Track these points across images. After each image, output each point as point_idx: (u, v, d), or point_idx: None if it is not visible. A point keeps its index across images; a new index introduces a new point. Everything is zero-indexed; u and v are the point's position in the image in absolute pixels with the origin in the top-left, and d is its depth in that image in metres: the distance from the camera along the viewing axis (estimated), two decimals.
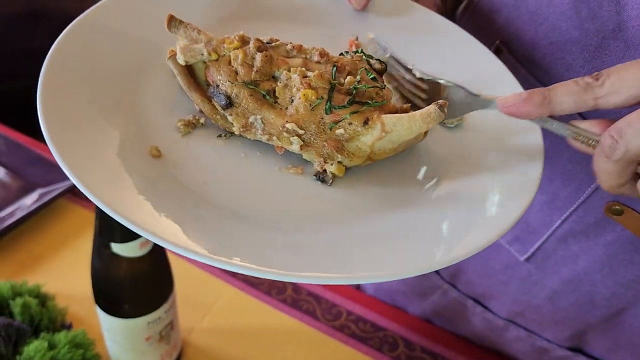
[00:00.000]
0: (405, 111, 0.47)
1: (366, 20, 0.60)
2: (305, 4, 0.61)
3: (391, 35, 0.59)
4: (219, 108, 0.48)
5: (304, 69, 0.47)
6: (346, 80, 0.47)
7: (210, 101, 0.48)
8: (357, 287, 0.89)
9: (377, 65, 0.51)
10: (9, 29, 2.38)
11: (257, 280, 0.84)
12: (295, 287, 0.84)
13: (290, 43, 0.50)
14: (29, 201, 0.92)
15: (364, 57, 0.51)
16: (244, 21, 0.58)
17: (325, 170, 0.46)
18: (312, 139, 0.46)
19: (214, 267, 0.84)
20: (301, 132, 0.46)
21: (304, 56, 0.50)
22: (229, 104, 0.47)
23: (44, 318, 0.71)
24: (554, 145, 0.52)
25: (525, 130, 0.49)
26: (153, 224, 0.38)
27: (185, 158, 0.46)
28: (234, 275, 0.85)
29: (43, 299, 0.74)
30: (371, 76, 0.49)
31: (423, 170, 0.48)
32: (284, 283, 0.84)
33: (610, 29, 0.52)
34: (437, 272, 0.80)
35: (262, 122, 0.47)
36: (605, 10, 0.52)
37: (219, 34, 0.51)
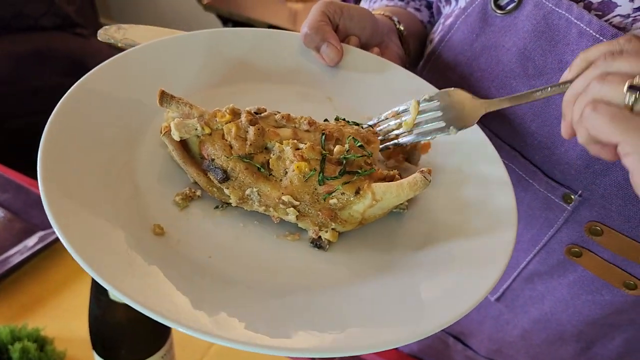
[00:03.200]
0: (392, 178, 0.50)
1: (338, 77, 0.63)
2: (281, 64, 0.63)
3: (363, 91, 0.62)
4: (216, 181, 0.49)
5: (295, 140, 0.49)
6: (335, 149, 0.50)
7: (206, 174, 0.50)
8: None
9: (367, 134, 0.53)
10: (15, 69, 2.43)
11: None
12: None
13: (279, 113, 0.52)
14: (30, 243, 0.93)
15: (350, 122, 0.54)
16: (225, 83, 0.60)
17: (320, 237, 0.48)
18: (307, 209, 0.48)
19: None
20: (296, 203, 0.48)
21: (293, 125, 0.52)
22: (226, 177, 0.49)
23: None
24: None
25: (500, 190, 0.53)
26: (161, 306, 0.39)
27: (187, 233, 0.47)
28: None
29: (42, 342, 0.76)
30: (358, 144, 0.51)
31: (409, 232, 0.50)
32: None
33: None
34: None
35: (259, 194, 0.48)
36: (550, 67, 0.57)
37: (205, 97, 0.52)
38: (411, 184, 0.47)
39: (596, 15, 0.54)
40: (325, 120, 0.55)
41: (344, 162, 0.49)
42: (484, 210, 0.52)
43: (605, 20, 0.53)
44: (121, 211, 0.46)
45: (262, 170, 0.49)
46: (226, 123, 0.50)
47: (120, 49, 0.59)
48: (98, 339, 0.64)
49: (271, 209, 0.48)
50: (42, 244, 0.92)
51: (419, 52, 0.73)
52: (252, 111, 0.51)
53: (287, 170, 0.48)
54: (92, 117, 0.51)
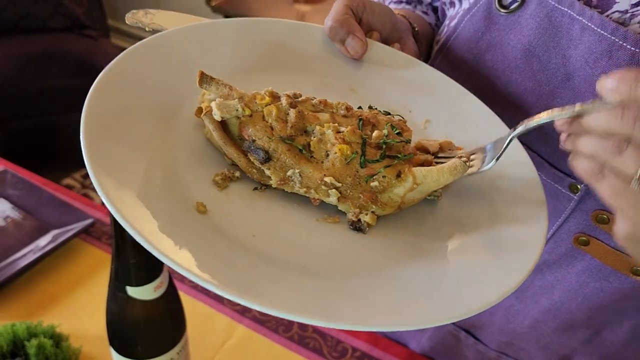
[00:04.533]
0: (430, 163, 0.51)
1: (361, 69, 0.63)
2: (304, 56, 0.63)
3: (386, 84, 0.63)
4: (256, 162, 0.49)
5: (335, 124, 0.50)
6: (374, 134, 0.50)
7: (246, 155, 0.50)
8: None
9: (401, 122, 0.54)
10: (23, 70, 2.46)
11: (265, 318, 0.86)
12: (301, 324, 0.86)
13: (315, 98, 0.53)
14: (44, 242, 0.94)
15: (381, 111, 0.55)
16: (251, 71, 0.60)
17: (359, 220, 0.49)
18: (348, 191, 0.49)
19: (224, 306, 0.86)
20: (339, 185, 0.48)
21: (331, 110, 0.52)
22: (267, 158, 0.49)
23: (59, 359, 0.73)
24: None
25: (529, 186, 0.53)
26: (215, 277, 0.39)
27: (228, 213, 0.47)
28: (242, 314, 0.87)
29: (57, 339, 0.76)
30: (396, 131, 0.52)
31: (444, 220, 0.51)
32: (290, 321, 0.86)
33: (560, 79, 0.58)
34: None
35: (300, 175, 0.49)
36: (554, 62, 0.59)
37: (233, 82, 0.52)
38: (451, 169, 0.48)
39: (596, 11, 0.55)
40: (359, 107, 0.55)
41: (384, 146, 0.50)
42: (515, 203, 0.52)
43: (606, 16, 0.55)
44: (163, 189, 0.46)
45: (304, 152, 0.49)
46: (266, 105, 0.50)
47: (149, 33, 0.60)
48: (115, 335, 0.65)
49: (312, 191, 0.49)
50: (56, 243, 0.92)
51: (428, 54, 0.75)
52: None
53: (328, 152, 0.49)
54: (127, 98, 0.51)
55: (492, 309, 0.75)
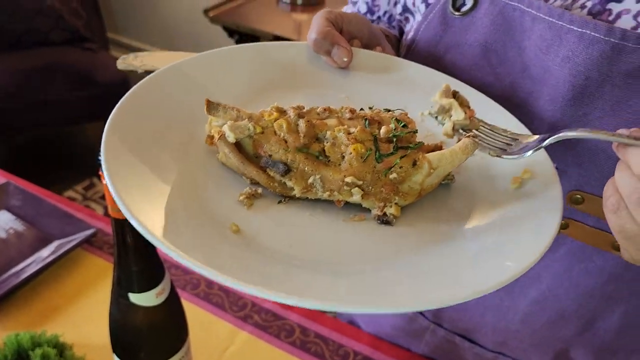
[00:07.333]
0: (440, 148, 0.54)
1: (349, 76, 0.66)
2: (292, 72, 0.65)
3: (376, 86, 0.65)
4: (277, 176, 0.51)
5: (345, 126, 0.52)
6: (382, 130, 0.53)
7: (265, 171, 0.52)
8: (360, 327, 0.92)
9: (403, 115, 0.56)
10: (25, 83, 2.46)
11: (267, 324, 0.87)
12: (303, 329, 0.87)
13: (319, 107, 0.55)
14: (47, 252, 0.94)
15: (382, 110, 0.57)
16: (249, 93, 0.62)
17: (385, 213, 0.51)
18: (370, 187, 0.51)
19: (225, 313, 0.87)
20: (360, 182, 0.50)
21: (336, 115, 0.55)
22: (287, 170, 0.51)
23: None
24: None
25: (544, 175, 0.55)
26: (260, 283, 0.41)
27: (260, 228, 0.49)
28: (245, 320, 0.87)
29: (61, 348, 0.77)
30: (401, 124, 0.54)
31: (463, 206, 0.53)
32: (292, 326, 0.86)
33: (517, 70, 0.63)
34: (421, 313, 0.85)
35: (321, 180, 0.51)
36: (510, 55, 0.63)
37: (238, 105, 0.55)
38: (462, 148, 0.51)
39: (543, 1, 0.59)
40: (361, 109, 0.58)
41: (394, 139, 0.52)
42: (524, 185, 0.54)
43: (551, 4, 0.59)
44: (199, 216, 0.48)
45: (320, 157, 0.51)
46: (275, 120, 0.52)
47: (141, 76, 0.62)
48: (118, 342, 0.66)
49: (335, 193, 0.51)
50: (58, 253, 0.93)
51: None
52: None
53: (343, 154, 0.51)
54: (144, 131, 0.52)
55: (482, 309, 0.78)
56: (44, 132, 2.72)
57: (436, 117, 0.58)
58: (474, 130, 0.54)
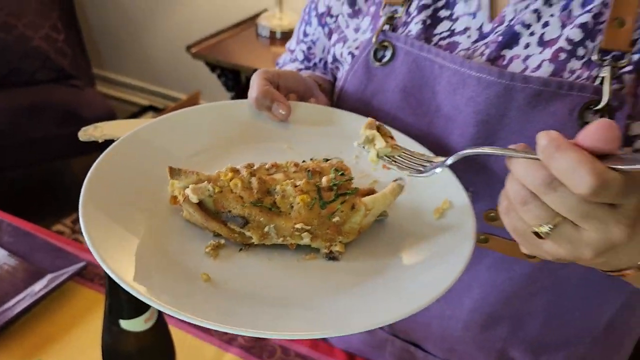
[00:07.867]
0: (373, 191, 0.63)
1: (290, 128, 0.74)
2: (241, 128, 0.74)
3: (314, 135, 0.73)
4: (237, 228, 0.59)
5: (291, 180, 0.60)
6: (323, 179, 0.61)
7: (226, 225, 0.59)
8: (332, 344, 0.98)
9: (340, 164, 0.65)
10: (12, 122, 2.50)
11: (250, 345, 0.92)
12: (284, 349, 0.93)
13: (267, 162, 0.64)
14: (39, 286, 0.98)
15: (322, 159, 0.66)
16: (201, 153, 0.70)
17: (332, 251, 0.59)
18: (317, 230, 0.59)
19: (211, 337, 0.92)
20: (308, 227, 0.59)
21: (283, 170, 0.63)
22: (245, 222, 0.59)
23: None
24: None
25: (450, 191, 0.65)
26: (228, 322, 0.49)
27: (229, 275, 0.56)
28: (229, 343, 0.93)
29: None
30: (339, 172, 0.63)
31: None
32: (274, 347, 0.92)
33: (433, 110, 0.72)
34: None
35: (275, 229, 0.59)
36: (426, 98, 0.72)
37: (191, 165, 0.63)
38: (391, 191, 0.61)
39: (448, 52, 0.69)
40: (303, 161, 0.66)
41: (335, 187, 0.61)
42: (443, 216, 0.63)
43: (455, 54, 0.69)
44: (169, 267, 0.55)
45: (273, 209, 0.59)
46: (231, 180, 0.60)
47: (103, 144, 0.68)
48: None
49: (288, 238, 0.59)
50: (51, 287, 0.97)
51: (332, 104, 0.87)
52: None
53: (292, 204, 0.59)
54: (112, 198, 0.60)
55: (427, 319, 0.87)
56: (32, 169, 2.75)
57: (363, 147, 0.66)
58: (396, 156, 0.62)
